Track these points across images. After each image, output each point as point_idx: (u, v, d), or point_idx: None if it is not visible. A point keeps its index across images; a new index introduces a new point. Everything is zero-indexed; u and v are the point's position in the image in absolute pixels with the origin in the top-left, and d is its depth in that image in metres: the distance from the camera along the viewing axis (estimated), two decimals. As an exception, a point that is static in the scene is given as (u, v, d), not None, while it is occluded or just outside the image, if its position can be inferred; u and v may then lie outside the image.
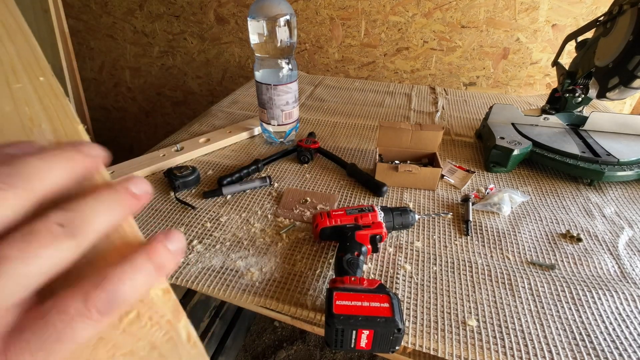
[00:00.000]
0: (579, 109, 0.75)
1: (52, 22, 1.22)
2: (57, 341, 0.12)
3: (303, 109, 0.96)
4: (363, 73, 1.27)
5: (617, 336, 0.39)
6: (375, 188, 0.61)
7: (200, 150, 0.72)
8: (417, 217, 0.53)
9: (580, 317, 0.41)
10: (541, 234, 0.54)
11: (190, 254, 0.49)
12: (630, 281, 0.46)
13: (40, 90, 0.18)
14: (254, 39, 0.65)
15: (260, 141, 0.79)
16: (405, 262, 0.48)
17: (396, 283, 0.46)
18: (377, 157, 0.64)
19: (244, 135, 0.79)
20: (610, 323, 0.41)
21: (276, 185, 0.64)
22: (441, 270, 0.47)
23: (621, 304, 0.43)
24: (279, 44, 0.65)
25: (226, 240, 0.52)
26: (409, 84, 1.20)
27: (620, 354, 0.38)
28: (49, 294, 0.13)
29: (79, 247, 0.13)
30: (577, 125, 0.75)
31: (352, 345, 0.36)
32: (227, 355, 0.96)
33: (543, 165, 0.70)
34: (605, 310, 0.42)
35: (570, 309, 0.42)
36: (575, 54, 0.73)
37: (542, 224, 0.56)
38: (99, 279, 0.13)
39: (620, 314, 0.42)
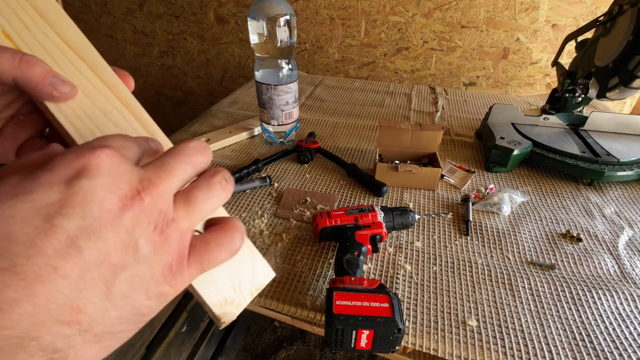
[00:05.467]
0: (579, 109, 0.75)
1: (52, 22, 1.22)
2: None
3: (303, 109, 0.96)
4: (363, 73, 1.27)
5: (617, 336, 0.39)
6: (375, 188, 0.61)
7: (200, 150, 0.72)
8: (417, 217, 0.53)
9: (580, 317, 0.42)
10: (541, 234, 0.54)
11: (190, 254, 0.49)
12: (630, 281, 0.46)
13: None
14: (254, 39, 0.65)
15: (260, 141, 0.79)
16: (405, 262, 0.48)
17: (396, 283, 0.46)
18: (377, 157, 0.64)
19: (244, 135, 0.79)
20: (610, 323, 0.41)
21: (276, 185, 0.64)
22: (441, 270, 0.47)
23: (621, 304, 0.43)
24: (279, 44, 0.65)
25: (226, 240, 0.52)
26: (409, 84, 1.20)
27: (620, 354, 0.38)
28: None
29: (226, 198, 0.19)
30: (577, 125, 0.75)
31: (352, 345, 0.36)
32: (227, 355, 0.96)
33: (543, 165, 0.70)
34: (605, 310, 0.42)
35: (570, 309, 0.42)
36: (575, 54, 0.73)
37: (542, 224, 0.56)
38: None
39: (620, 314, 0.42)
